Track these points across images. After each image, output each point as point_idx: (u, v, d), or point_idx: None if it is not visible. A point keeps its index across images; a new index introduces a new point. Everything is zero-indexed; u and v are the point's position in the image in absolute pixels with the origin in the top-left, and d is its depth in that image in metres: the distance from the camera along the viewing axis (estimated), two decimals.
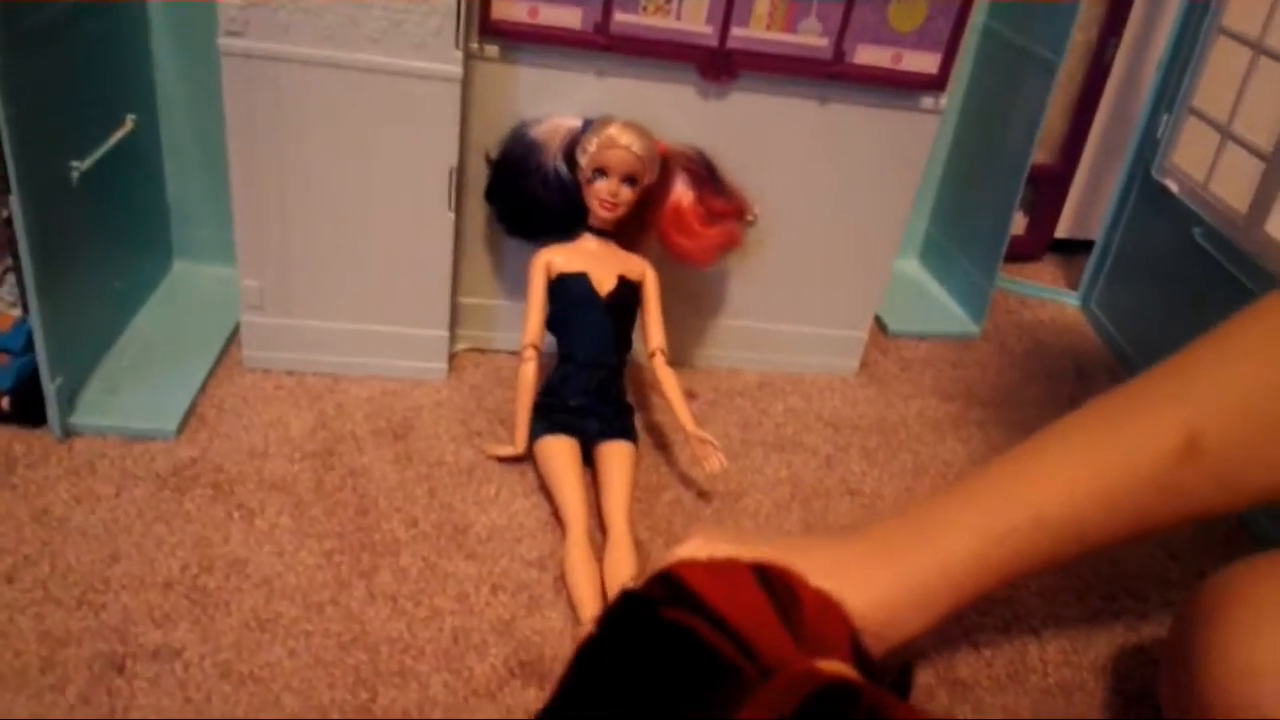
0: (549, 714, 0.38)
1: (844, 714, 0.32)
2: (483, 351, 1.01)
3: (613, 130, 0.85)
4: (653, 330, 0.90)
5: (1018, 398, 1.08)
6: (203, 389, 0.89)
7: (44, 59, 0.76)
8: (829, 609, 0.39)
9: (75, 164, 0.82)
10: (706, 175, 0.91)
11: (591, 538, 0.77)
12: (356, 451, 0.85)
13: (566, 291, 0.88)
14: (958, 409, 1.05)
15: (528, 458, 0.86)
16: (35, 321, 0.78)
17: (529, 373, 0.86)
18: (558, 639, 0.71)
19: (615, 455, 0.84)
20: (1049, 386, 1.11)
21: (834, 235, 1.00)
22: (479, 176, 0.91)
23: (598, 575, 0.75)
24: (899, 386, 1.07)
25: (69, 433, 0.82)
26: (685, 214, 0.90)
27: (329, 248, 0.89)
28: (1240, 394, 0.60)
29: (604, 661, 0.38)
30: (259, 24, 0.80)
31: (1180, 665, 0.65)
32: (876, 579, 0.57)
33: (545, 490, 0.83)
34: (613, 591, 0.73)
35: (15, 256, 0.77)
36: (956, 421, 1.03)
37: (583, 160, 0.86)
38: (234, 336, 0.95)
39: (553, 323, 0.89)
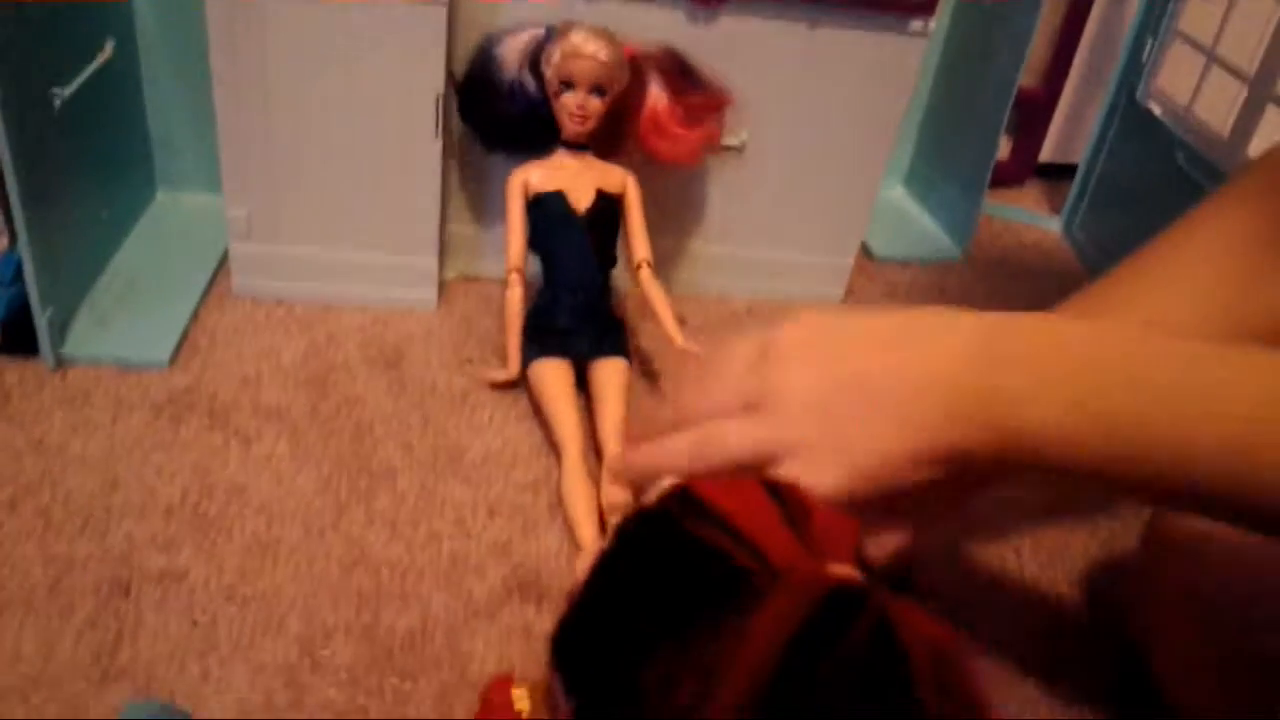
0: (569, 625, 0.40)
1: (854, 612, 0.34)
2: (472, 279, 1.01)
3: (575, 39, 0.82)
4: (637, 242, 0.89)
5: None
6: (194, 318, 0.89)
7: None
8: (836, 519, 0.41)
9: (57, 90, 0.81)
10: (679, 73, 0.88)
11: (586, 460, 0.78)
12: (349, 379, 0.86)
13: (544, 211, 0.87)
14: None
15: (521, 382, 0.86)
16: (24, 252, 0.77)
17: (515, 298, 0.86)
18: (554, 560, 0.72)
19: (608, 373, 0.84)
20: (1032, 309, 1.12)
21: (821, 161, 1.00)
22: None
23: (594, 498, 0.76)
24: None
25: (62, 363, 0.82)
26: (662, 118, 0.88)
27: (316, 176, 0.89)
28: (1201, 293, 0.61)
29: (622, 572, 0.40)
30: None
31: (1147, 574, 0.68)
32: None
33: (539, 415, 0.84)
34: (610, 514, 0.75)
35: (1, 185, 0.76)
36: None
37: (548, 72, 0.83)
38: (222, 265, 0.95)
39: (533, 244, 0.88)
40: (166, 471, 0.74)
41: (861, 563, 0.39)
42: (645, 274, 0.88)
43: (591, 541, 0.72)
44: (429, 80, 0.86)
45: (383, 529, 0.73)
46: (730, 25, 0.91)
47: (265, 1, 0.80)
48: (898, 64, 0.95)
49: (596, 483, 0.78)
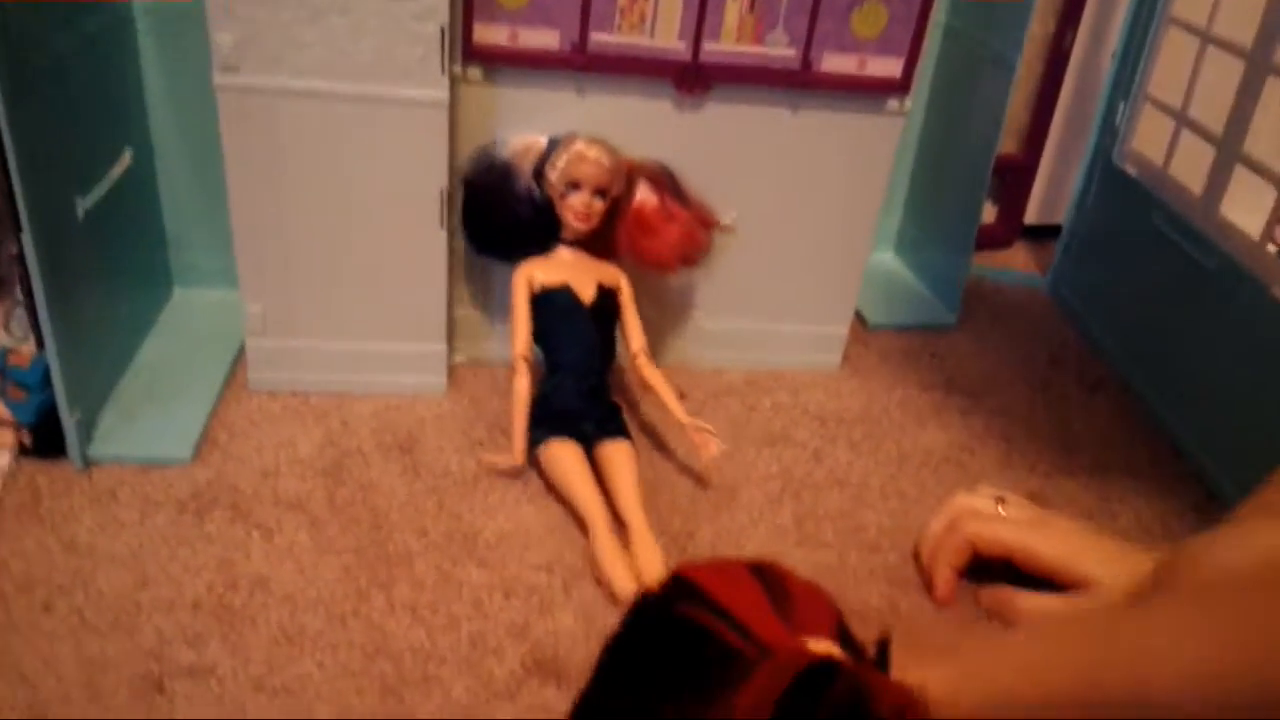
0: (584, 704, 0.44)
1: (829, 685, 0.39)
2: (480, 362, 1.04)
3: (580, 146, 0.90)
4: (633, 334, 0.95)
5: (994, 383, 1.13)
6: (213, 412, 0.93)
7: (46, 99, 0.79)
8: (815, 596, 0.45)
9: (80, 199, 0.85)
10: (668, 183, 0.95)
11: (614, 532, 0.81)
12: (365, 467, 0.89)
13: (551, 304, 0.92)
14: (938, 397, 1.10)
15: (527, 467, 0.89)
16: (51, 356, 0.81)
17: (522, 385, 0.90)
18: (570, 639, 0.75)
19: (617, 453, 0.88)
20: (1024, 370, 1.16)
21: (810, 235, 1.04)
22: None
23: (628, 560, 0.79)
24: (881, 378, 1.12)
25: (89, 463, 0.85)
26: (647, 214, 0.94)
27: (328, 270, 0.93)
28: None
29: (628, 653, 0.44)
30: (252, 59, 0.83)
31: None
32: None
33: (555, 494, 0.87)
34: (647, 582, 0.77)
35: (27, 292, 0.80)
36: (937, 409, 1.07)
37: (553, 176, 0.91)
38: (239, 359, 0.99)
39: (539, 336, 0.93)
40: (192, 566, 0.77)
41: (844, 636, 0.44)
42: (643, 361, 0.94)
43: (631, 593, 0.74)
44: (433, 175, 0.90)
45: (403, 615, 0.75)
46: (717, 111, 0.96)
47: (275, 108, 0.85)
48: (877, 142, 1.00)
49: (627, 549, 0.81)
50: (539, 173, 0.92)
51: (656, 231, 0.94)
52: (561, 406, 0.90)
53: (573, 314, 0.92)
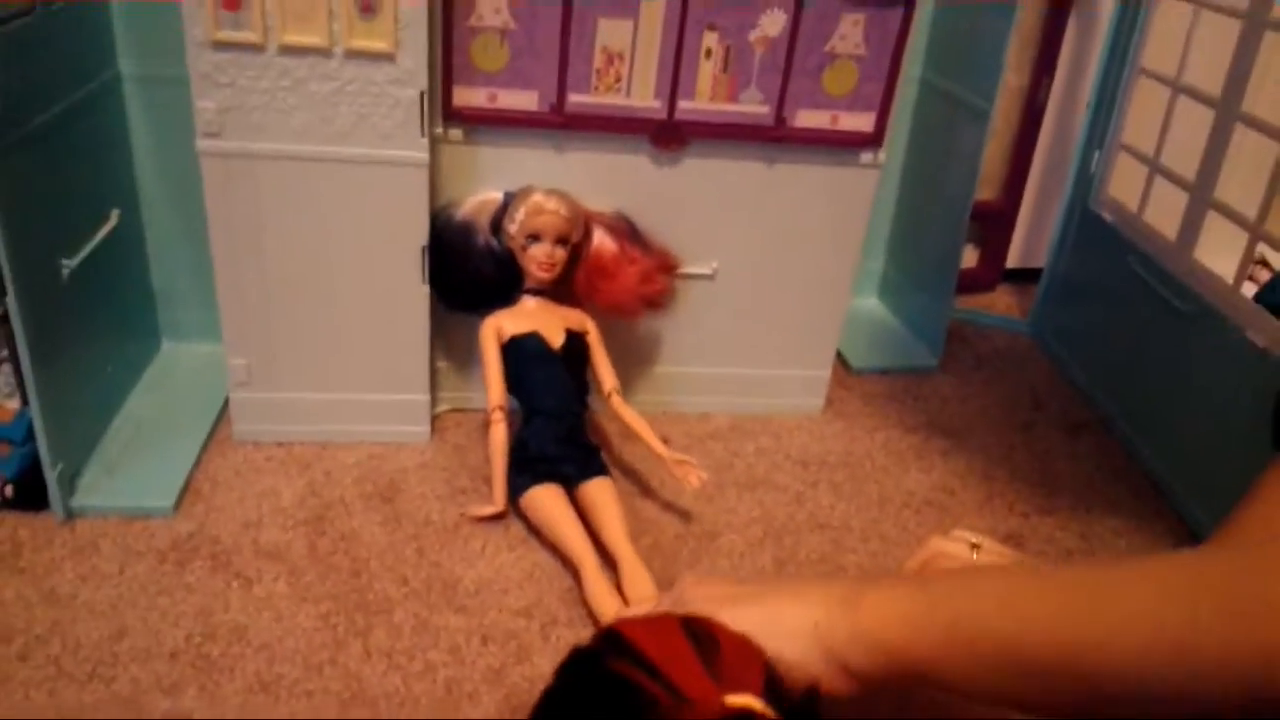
0: None
1: None
2: (462, 411, 1.05)
3: (538, 198, 0.92)
4: (604, 374, 0.97)
5: (976, 424, 1.14)
6: (196, 464, 0.94)
7: (34, 164, 0.81)
8: (744, 650, 0.47)
9: (65, 261, 0.87)
10: (627, 230, 0.97)
11: (604, 571, 0.82)
12: (346, 516, 0.90)
13: (521, 351, 0.93)
14: (920, 439, 1.10)
15: (509, 514, 0.90)
16: (34, 412, 0.82)
17: (500, 434, 0.91)
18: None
19: (599, 491, 0.89)
20: (1006, 412, 1.17)
21: (790, 283, 1.05)
22: None
23: (621, 603, 0.80)
24: (863, 421, 1.13)
25: (71, 515, 0.86)
26: (606, 259, 0.96)
27: (312, 324, 0.94)
28: None
29: (559, 706, 0.46)
30: (234, 125, 0.85)
31: None
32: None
33: (541, 538, 0.88)
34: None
35: (12, 351, 0.81)
36: (919, 451, 1.08)
37: (513, 229, 0.93)
38: (223, 412, 1.00)
39: (513, 384, 0.94)
40: (171, 616, 0.78)
41: (774, 689, 0.45)
42: (616, 400, 0.96)
43: None
44: (414, 232, 0.92)
45: (380, 661, 0.75)
46: (694, 166, 0.98)
47: (257, 172, 0.87)
48: (853, 193, 1.02)
49: (618, 589, 0.81)
50: (497, 226, 0.94)
51: (614, 275, 0.96)
52: (540, 451, 0.90)
53: (543, 359, 0.93)
